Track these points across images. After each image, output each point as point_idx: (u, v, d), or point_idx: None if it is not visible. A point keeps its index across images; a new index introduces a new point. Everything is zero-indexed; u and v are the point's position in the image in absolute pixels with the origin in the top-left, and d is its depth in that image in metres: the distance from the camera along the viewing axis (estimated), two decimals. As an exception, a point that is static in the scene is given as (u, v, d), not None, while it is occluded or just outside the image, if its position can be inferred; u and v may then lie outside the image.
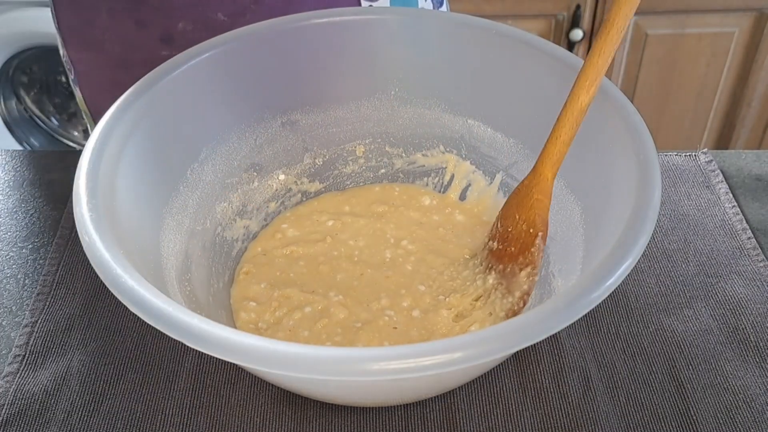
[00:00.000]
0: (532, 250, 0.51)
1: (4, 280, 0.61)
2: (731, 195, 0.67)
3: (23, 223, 0.66)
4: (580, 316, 0.38)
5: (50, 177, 0.71)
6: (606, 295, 0.39)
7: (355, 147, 0.63)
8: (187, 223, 0.53)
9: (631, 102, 0.49)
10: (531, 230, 0.52)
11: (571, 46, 1.47)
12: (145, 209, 0.49)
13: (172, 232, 0.51)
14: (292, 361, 0.35)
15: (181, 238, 0.52)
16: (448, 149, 0.62)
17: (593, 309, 0.56)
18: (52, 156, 0.74)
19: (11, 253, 0.63)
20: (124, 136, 0.48)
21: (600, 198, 0.49)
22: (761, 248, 0.62)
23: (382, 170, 0.64)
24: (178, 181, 0.53)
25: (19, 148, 1.78)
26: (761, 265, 0.60)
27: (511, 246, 0.53)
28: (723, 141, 1.53)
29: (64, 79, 1.77)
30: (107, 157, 0.46)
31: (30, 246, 0.64)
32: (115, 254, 0.40)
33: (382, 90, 0.61)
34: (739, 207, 0.66)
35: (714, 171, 0.69)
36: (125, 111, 0.49)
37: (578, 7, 1.38)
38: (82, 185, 0.44)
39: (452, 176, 0.63)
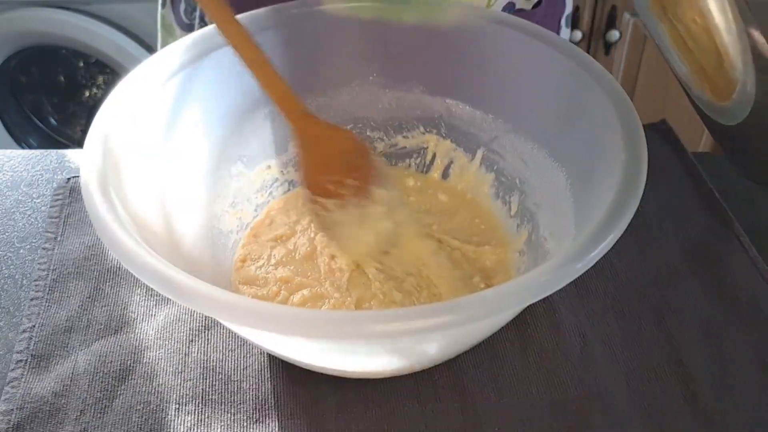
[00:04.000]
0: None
1: (2, 281, 0.60)
2: (692, 158, 0.70)
3: (21, 224, 0.66)
4: (578, 275, 0.41)
5: (48, 177, 0.70)
6: (599, 257, 0.41)
7: (337, 133, 0.65)
8: (186, 217, 0.54)
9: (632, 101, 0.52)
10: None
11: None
12: (150, 199, 0.49)
13: (176, 221, 0.51)
14: (311, 324, 0.36)
15: (183, 231, 0.53)
16: (428, 129, 0.64)
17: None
18: (50, 156, 0.73)
19: (8, 254, 0.63)
20: (120, 134, 0.49)
21: (585, 162, 0.51)
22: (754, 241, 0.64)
23: (365, 154, 0.66)
24: (170, 176, 0.53)
25: (17, 148, 1.74)
26: (728, 221, 0.64)
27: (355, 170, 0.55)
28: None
29: (62, 78, 1.75)
30: (110, 148, 0.47)
31: (27, 247, 0.63)
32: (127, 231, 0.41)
33: (360, 76, 0.62)
34: (736, 207, 0.67)
35: (677, 139, 0.73)
36: (117, 109, 0.50)
37: (577, 8, 1.39)
38: (92, 181, 0.44)
39: (434, 155, 0.65)
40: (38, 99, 1.82)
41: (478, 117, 0.61)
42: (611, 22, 1.41)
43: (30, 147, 1.79)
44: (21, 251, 0.63)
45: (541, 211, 0.56)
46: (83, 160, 0.46)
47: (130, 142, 0.49)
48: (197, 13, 0.73)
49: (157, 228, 0.49)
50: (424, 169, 0.66)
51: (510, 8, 0.69)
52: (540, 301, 0.57)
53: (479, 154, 0.62)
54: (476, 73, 0.60)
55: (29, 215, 0.66)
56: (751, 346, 0.55)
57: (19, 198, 0.68)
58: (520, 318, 0.56)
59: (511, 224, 0.60)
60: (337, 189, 0.54)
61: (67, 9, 1.56)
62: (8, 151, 0.74)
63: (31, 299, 0.59)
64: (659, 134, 0.74)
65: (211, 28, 0.57)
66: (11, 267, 0.62)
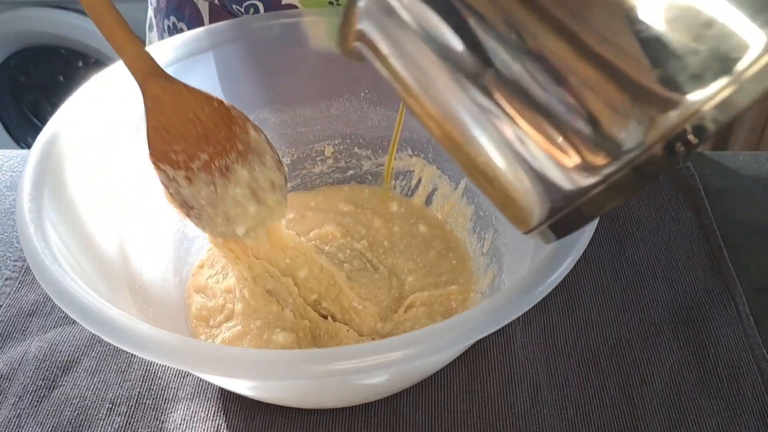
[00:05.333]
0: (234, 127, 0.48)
1: (1, 281, 0.61)
2: (710, 212, 0.65)
3: None
4: (501, 325, 0.38)
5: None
6: (527, 308, 0.39)
7: (324, 147, 0.64)
8: (146, 218, 0.54)
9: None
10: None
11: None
12: (100, 202, 0.50)
13: (127, 225, 0.51)
14: (211, 362, 0.36)
15: (138, 232, 0.53)
16: (415, 153, 0.62)
17: (552, 321, 0.56)
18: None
19: (8, 254, 0.63)
20: (79, 129, 0.49)
21: None
22: (738, 252, 0.60)
23: (351, 171, 0.64)
24: (138, 176, 0.54)
25: (16, 148, 1.75)
26: (731, 284, 0.59)
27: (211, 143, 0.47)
28: (721, 142, 1.49)
29: (62, 78, 1.78)
30: (60, 148, 0.47)
31: None
32: (49, 246, 0.41)
33: (351, 91, 0.61)
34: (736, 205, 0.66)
35: (696, 186, 0.68)
36: (82, 105, 0.50)
37: None
38: (28, 173, 0.45)
39: (419, 180, 0.63)
40: (37, 99, 1.84)
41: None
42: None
43: (29, 147, 1.77)
44: (20, 251, 0.63)
45: (508, 253, 0.53)
46: (29, 157, 0.46)
47: (90, 137, 0.50)
48: None
49: (102, 232, 0.49)
50: (409, 193, 0.64)
51: None
52: (499, 344, 0.55)
53: (462, 184, 0.60)
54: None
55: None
56: (719, 428, 0.50)
57: (18, 198, 0.69)
58: (471, 361, 0.54)
59: (481, 262, 0.57)
60: (183, 160, 0.46)
61: (67, 9, 1.56)
62: (7, 151, 0.74)
63: (6, 279, 0.60)
64: (678, 181, 0.68)
65: (199, 30, 0.57)
66: (11, 267, 0.62)
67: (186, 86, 0.46)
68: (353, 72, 0.60)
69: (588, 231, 0.42)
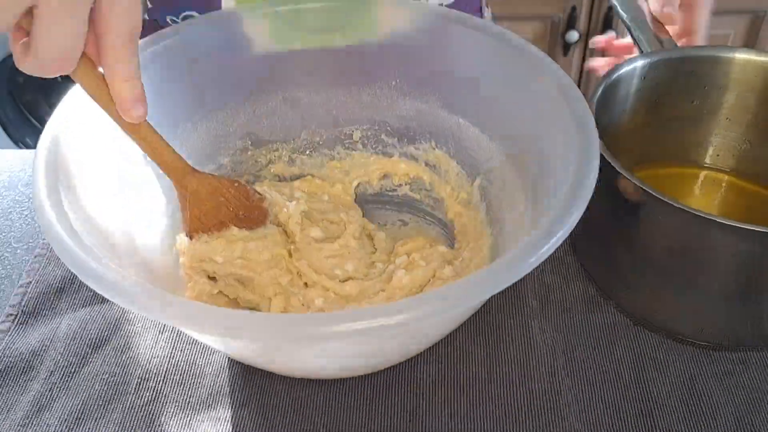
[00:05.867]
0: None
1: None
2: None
3: (18, 224, 0.67)
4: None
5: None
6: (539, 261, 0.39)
7: (353, 131, 0.65)
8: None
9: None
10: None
11: (566, 47, 1.48)
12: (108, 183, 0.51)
13: (150, 185, 0.53)
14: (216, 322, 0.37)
15: (160, 193, 0.54)
16: (438, 146, 0.63)
17: (572, 309, 0.58)
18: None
19: (5, 254, 0.64)
20: (82, 121, 0.51)
21: (543, 172, 0.50)
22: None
23: (376, 158, 0.66)
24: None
25: (14, 148, 1.75)
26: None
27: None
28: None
29: (59, 79, 1.79)
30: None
31: (24, 247, 0.64)
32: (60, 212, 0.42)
33: (383, 79, 0.62)
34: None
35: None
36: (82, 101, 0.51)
37: (573, 8, 1.39)
38: (46, 136, 0.47)
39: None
40: (35, 99, 1.82)
41: (484, 142, 0.59)
42: (608, 23, 1.40)
43: (27, 147, 1.78)
44: (18, 251, 0.64)
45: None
46: (36, 151, 0.47)
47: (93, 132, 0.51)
48: None
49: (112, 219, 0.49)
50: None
51: None
52: (518, 329, 0.56)
53: (478, 180, 0.61)
54: (489, 97, 0.58)
55: (26, 215, 0.67)
56: (736, 412, 0.52)
57: (16, 198, 0.69)
58: (491, 343, 0.56)
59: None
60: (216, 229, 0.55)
61: None
62: (5, 151, 0.75)
63: (35, 255, 0.62)
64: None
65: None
66: (8, 267, 0.63)
67: (212, 175, 0.54)
68: (386, 60, 0.62)
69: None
